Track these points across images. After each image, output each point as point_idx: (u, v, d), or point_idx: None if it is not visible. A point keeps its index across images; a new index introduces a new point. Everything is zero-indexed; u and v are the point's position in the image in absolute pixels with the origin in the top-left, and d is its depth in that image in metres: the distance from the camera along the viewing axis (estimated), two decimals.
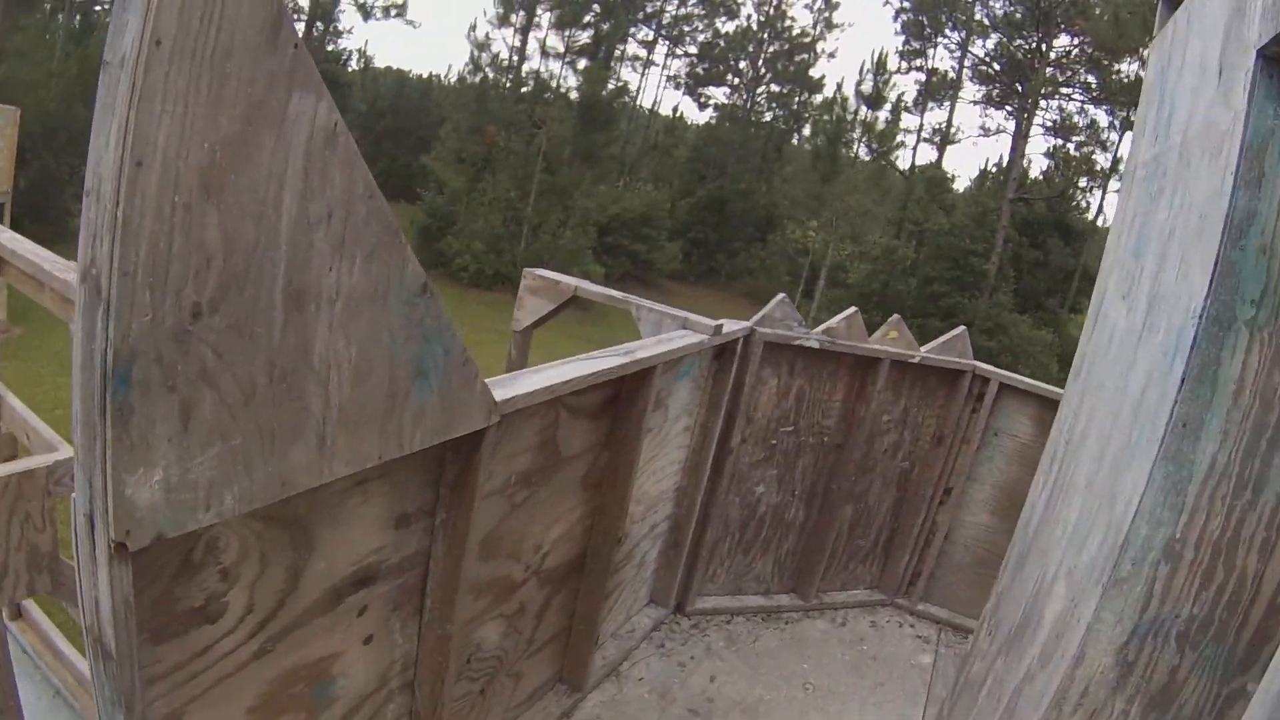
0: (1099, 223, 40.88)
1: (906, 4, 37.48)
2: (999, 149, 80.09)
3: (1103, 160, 37.63)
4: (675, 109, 65.27)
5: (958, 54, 37.89)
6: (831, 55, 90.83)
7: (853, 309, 4.53)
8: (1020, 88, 36.41)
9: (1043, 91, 35.73)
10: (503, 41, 38.63)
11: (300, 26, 37.49)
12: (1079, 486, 2.72)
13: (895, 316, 4.74)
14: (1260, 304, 1.88)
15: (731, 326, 4.18)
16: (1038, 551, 3.10)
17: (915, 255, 33.87)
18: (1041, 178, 37.50)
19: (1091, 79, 35.65)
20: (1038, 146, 75.22)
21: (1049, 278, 36.29)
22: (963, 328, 4.97)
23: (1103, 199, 40.67)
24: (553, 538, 3.35)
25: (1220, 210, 1.89)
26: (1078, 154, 37.25)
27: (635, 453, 3.54)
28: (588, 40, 37.33)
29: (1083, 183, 38.32)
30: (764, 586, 4.96)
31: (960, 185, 40.04)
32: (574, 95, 35.65)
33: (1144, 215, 2.72)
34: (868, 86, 37.82)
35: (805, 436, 4.65)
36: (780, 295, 4.36)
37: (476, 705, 3.20)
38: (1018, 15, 35.45)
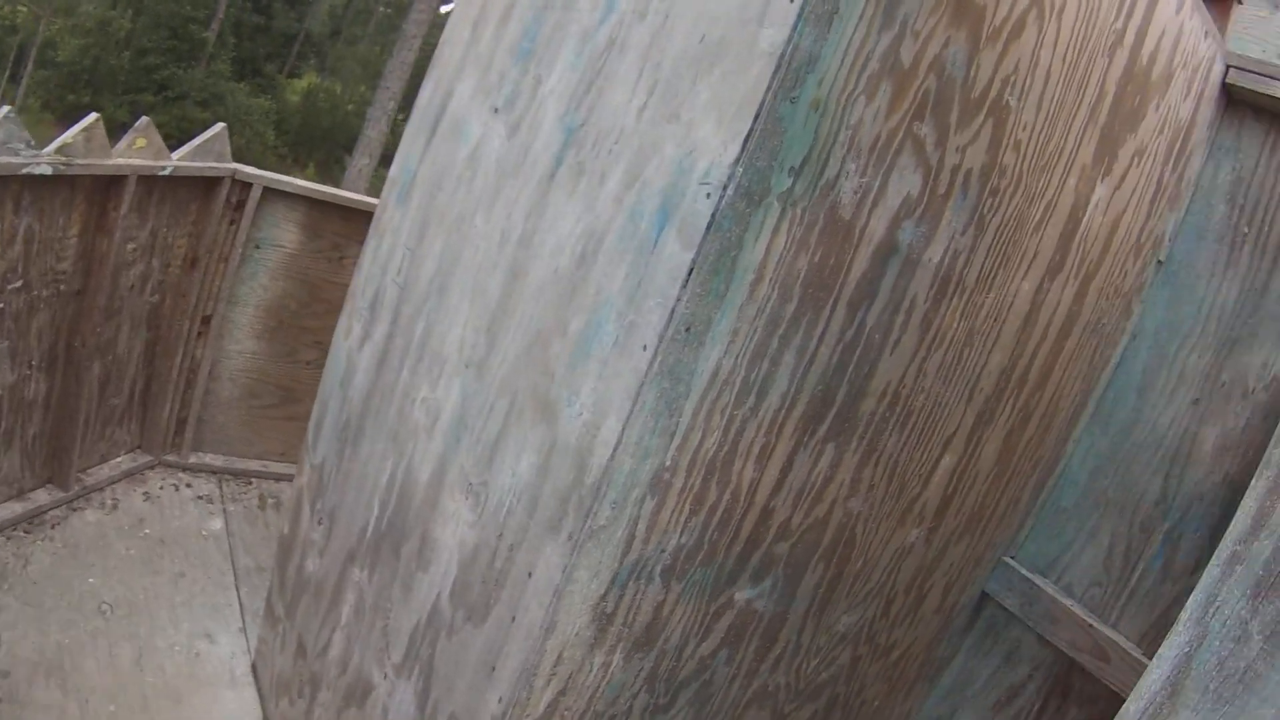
0: None
1: None
2: None
3: None
4: None
5: None
6: None
7: (93, 116, 3.22)
8: None
9: None
10: None
11: None
12: (449, 360, 2.18)
13: (144, 120, 3.52)
14: (800, 174, 1.44)
15: None
16: (375, 429, 2.54)
17: (132, 26, 29.35)
18: None
19: None
20: None
21: (270, 42, 34.77)
22: (221, 126, 3.96)
23: None
24: None
25: (772, 45, 1.38)
26: None
27: None
28: None
29: None
30: (16, 488, 3.61)
31: None
32: None
33: (552, 5, 2.07)
34: None
35: (39, 290, 3.31)
36: (3, 109, 2.91)
37: None
38: None
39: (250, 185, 4.02)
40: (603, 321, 1.59)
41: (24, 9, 29.31)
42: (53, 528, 3.70)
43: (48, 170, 3.05)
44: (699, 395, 1.52)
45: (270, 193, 4.11)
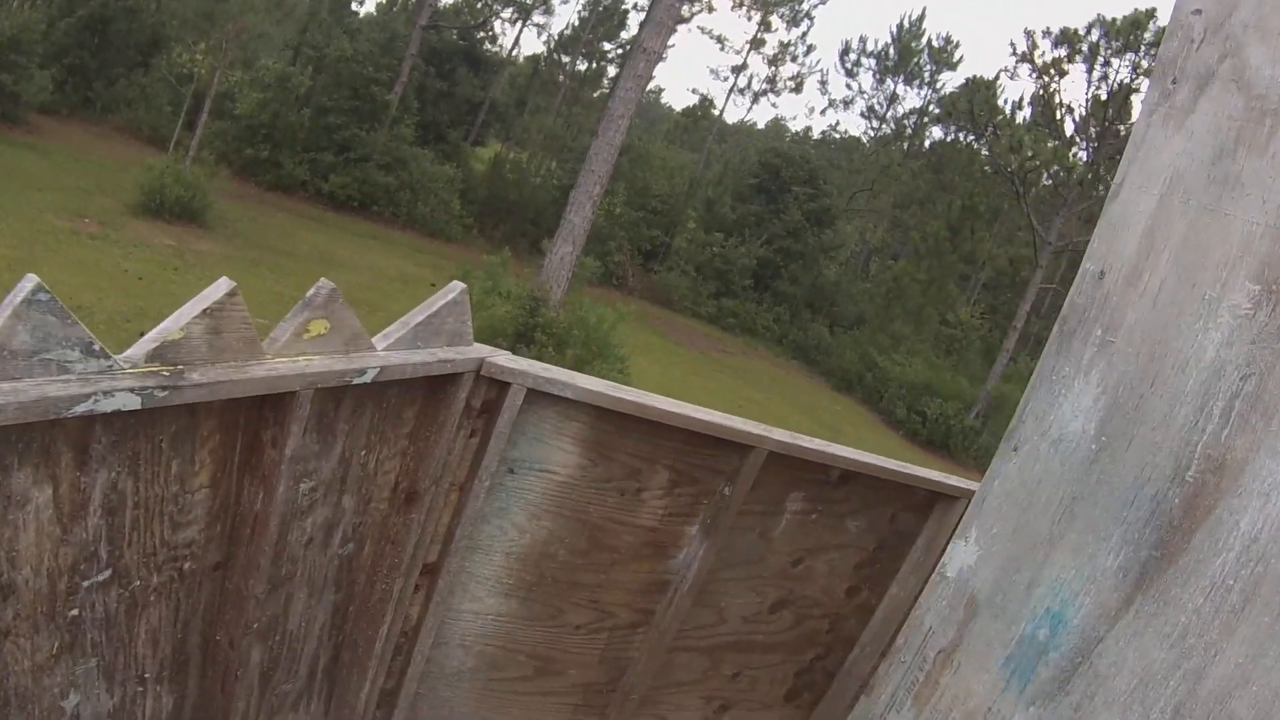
0: (514, 55, 40.87)
1: None
2: None
3: None
4: None
5: None
6: None
7: (220, 286, 1.89)
8: None
9: None
10: None
11: None
12: None
13: (324, 288, 2.14)
14: None
15: None
16: None
17: (312, 83, 30.31)
18: (455, 4, 35.92)
19: None
20: None
21: (453, 109, 35.41)
22: (459, 288, 2.57)
23: (520, 31, 40.64)
24: None
25: None
26: None
27: None
28: None
29: (507, 13, 37.59)
30: None
31: (368, 8, 36.91)
32: None
33: None
34: None
35: (146, 576, 2.01)
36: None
37: None
38: None
39: (506, 386, 2.56)
40: None
41: (201, 58, 29.04)
42: None
43: (133, 403, 1.68)
44: None
45: (536, 395, 2.64)
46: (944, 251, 33.76)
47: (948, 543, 3.38)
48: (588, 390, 2.69)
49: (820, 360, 34.08)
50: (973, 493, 3.37)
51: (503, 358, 2.62)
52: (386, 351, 2.33)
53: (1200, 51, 2.48)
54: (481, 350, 2.62)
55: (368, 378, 2.20)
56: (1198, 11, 2.52)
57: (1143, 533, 2.38)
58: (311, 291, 2.15)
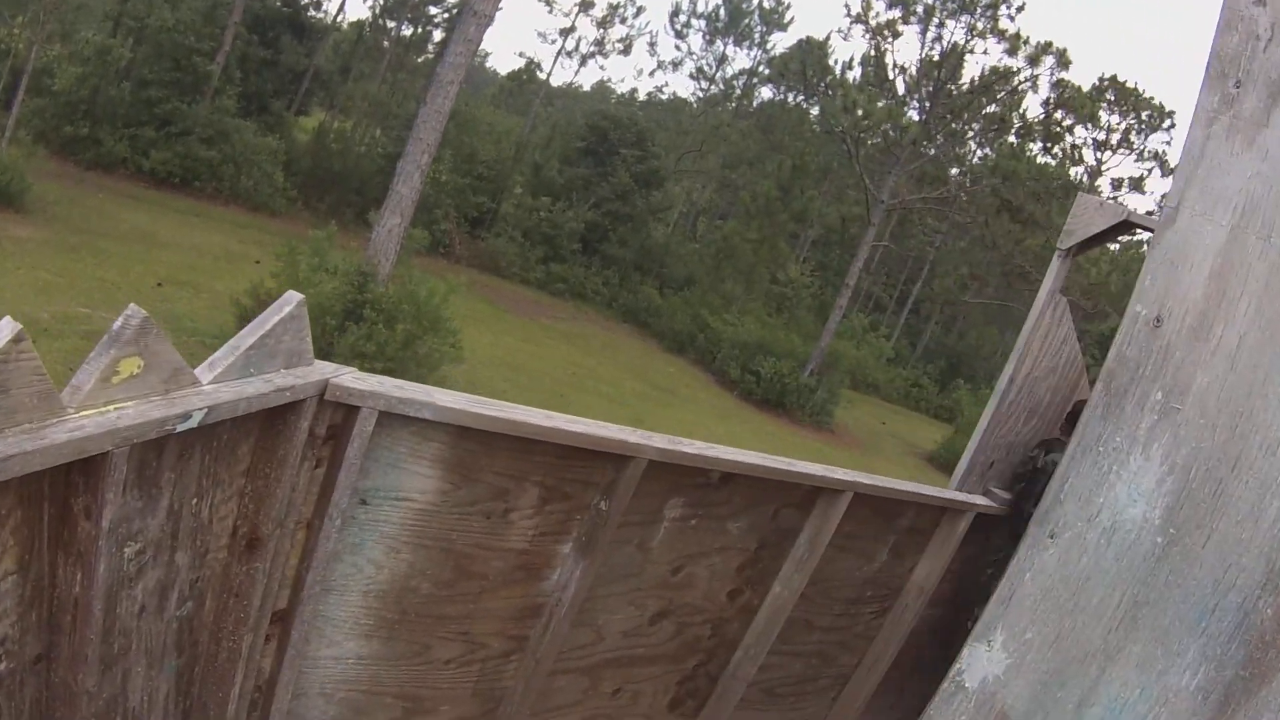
0: (339, 20, 39.08)
1: None
2: None
3: None
4: None
5: None
6: None
7: (9, 330, 1.56)
8: None
9: None
10: None
11: None
12: None
13: (133, 315, 1.79)
14: None
15: None
16: None
17: (133, 55, 28.30)
18: None
19: None
20: None
21: (277, 78, 33.80)
22: (295, 296, 2.24)
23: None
24: None
25: None
26: None
27: None
28: None
29: None
30: None
31: None
32: None
33: None
34: None
35: None
36: None
37: None
38: None
39: (355, 409, 2.30)
40: None
41: (18, 32, 26.83)
42: None
43: None
44: None
45: (389, 418, 2.39)
46: (774, 211, 34.44)
47: (831, 538, 3.32)
48: (449, 409, 2.45)
49: (651, 322, 34.27)
50: (859, 485, 3.31)
51: (349, 377, 2.35)
52: (214, 385, 2.02)
53: (1270, 53, 2.11)
54: (325, 370, 2.34)
55: (194, 422, 1.89)
56: (1261, 2, 2.15)
57: (1227, 648, 1.98)
58: (119, 323, 1.82)
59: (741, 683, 3.53)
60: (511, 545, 2.78)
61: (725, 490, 3.12)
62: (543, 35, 71.92)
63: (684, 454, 2.86)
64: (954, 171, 39.33)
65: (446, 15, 37.79)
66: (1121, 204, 3.65)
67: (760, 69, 45.71)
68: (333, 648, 2.67)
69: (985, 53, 38.48)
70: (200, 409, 1.90)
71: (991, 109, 35.06)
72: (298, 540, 2.46)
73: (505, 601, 2.88)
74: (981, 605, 4.25)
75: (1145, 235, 3.16)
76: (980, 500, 3.99)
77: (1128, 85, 39.21)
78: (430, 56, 37.27)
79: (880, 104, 33.17)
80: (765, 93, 45.76)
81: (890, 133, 33.55)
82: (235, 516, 2.31)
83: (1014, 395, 3.94)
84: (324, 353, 15.79)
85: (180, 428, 1.86)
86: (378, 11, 38.73)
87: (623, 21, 47.38)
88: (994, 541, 4.36)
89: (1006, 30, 33.03)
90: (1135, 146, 39.99)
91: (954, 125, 35.95)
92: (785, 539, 3.38)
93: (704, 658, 3.49)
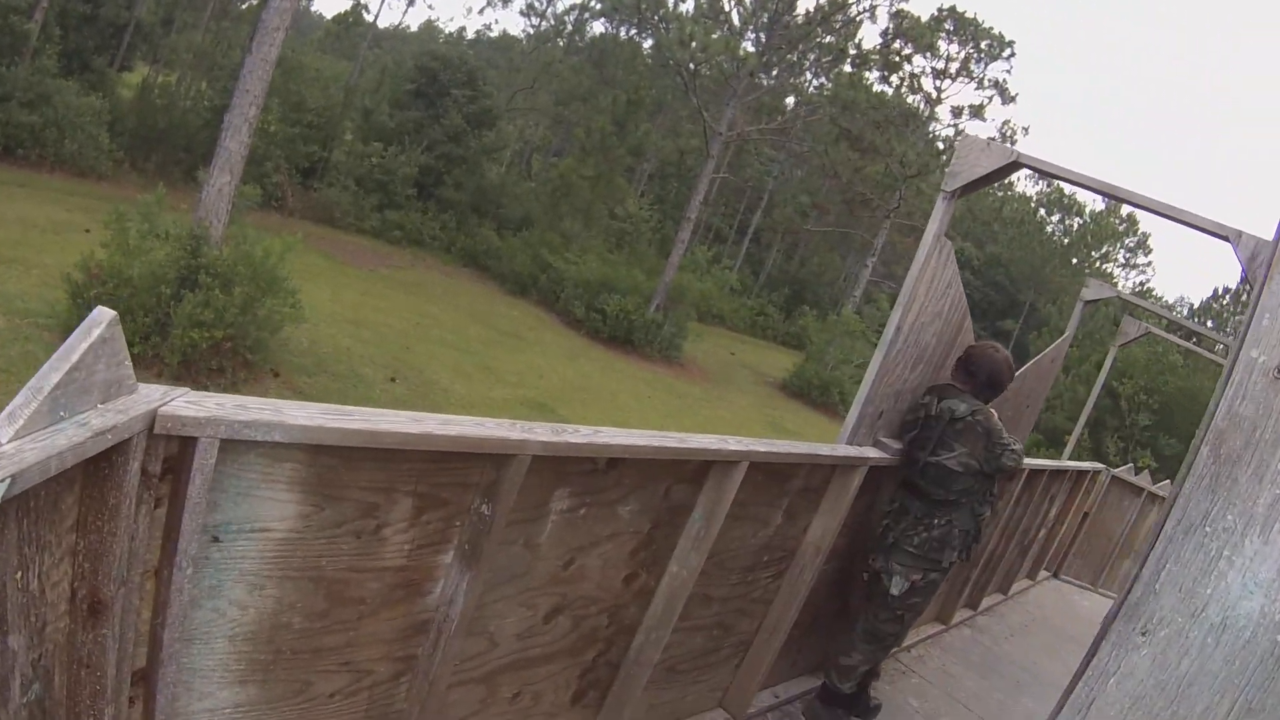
0: None
1: None
2: None
3: None
4: None
5: None
6: None
7: None
8: None
9: None
10: None
11: None
12: None
13: None
14: None
15: None
16: None
17: None
18: None
19: None
20: None
21: (98, 34, 31.06)
22: (106, 314, 1.80)
23: None
24: None
25: None
26: None
27: None
28: None
29: None
30: None
31: None
32: None
33: None
34: None
35: None
36: None
37: None
38: None
39: (193, 441, 1.91)
40: None
41: None
42: None
43: None
44: None
45: (233, 445, 2.00)
46: (610, 146, 34.07)
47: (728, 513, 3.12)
48: (301, 427, 2.08)
49: (491, 265, 33.54)
50: (754, 454, 3.11)
51: (181, 402, 1.94)
52: (16, 445, 1.59)
53: None
54: (152, 396, 1.92)
55: None
56: None
57: None
58: None
59: (645, 667, 3.34)
60: (388, 563, 2.46)
61: (614, 474, 2.88)
62: None
63: (571, 444, 2.60)
64: (791, 101, 39.76)
65: None
66: (1009, 146, 3.53)
67: (592, 3, 44.82)
68: (205, 700, 2.31)
69: None
70: (2, 480, 1.48)
71: (828, 40, 35.47)
72: (147, 592, 2.07)
73: (388, 623, 2.57)
74: (875, 555, 4.20)
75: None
76: (872, 453, 3.89)
77: (967, 15, 40.43)
78: (254, 3, 34.76)
79: (715, 36, 33.04)
80: (597, 27, 44.98)
81: (726, 65, 33.55)
82: (71, 579, 1.90)
83: (900, 344, 3.84)
84: (162, 324, 14.27)
85: None
86: None
87: None
88: (885, 492, 4.29)
89: None
90: (975, 75, 41.34)
91: (791, 56, 36.25)
92: (678, 516, 3.18)
93: (604, 647, 3.28)
